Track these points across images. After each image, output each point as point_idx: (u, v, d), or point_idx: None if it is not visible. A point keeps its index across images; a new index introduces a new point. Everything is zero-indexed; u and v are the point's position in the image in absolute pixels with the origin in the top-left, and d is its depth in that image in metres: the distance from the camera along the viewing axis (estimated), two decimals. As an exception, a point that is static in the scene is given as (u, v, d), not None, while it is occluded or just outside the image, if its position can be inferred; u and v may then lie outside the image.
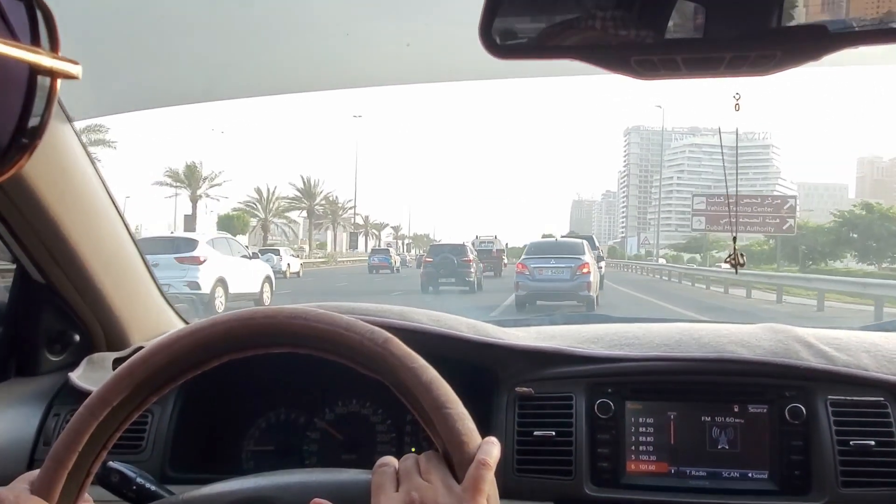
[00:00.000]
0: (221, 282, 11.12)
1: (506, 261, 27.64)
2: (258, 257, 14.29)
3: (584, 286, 12.06)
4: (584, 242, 14.15)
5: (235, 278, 11.53)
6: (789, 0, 0.56)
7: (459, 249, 17.53)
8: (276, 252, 16.64)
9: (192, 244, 11.37)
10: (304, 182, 50.33)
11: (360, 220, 59.89)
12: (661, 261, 44.93)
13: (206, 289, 10.65)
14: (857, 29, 0.55)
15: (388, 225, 71.63)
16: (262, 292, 11.99)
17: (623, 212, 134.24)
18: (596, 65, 0.62)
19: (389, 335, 0.64)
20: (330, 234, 53.16)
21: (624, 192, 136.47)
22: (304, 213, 51.07)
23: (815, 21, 0.56)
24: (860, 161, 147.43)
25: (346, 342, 0.63)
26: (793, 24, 0.57)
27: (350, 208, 54.27)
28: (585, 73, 1.08)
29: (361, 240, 62.13)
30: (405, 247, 65.78)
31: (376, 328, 0.65)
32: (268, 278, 12.56)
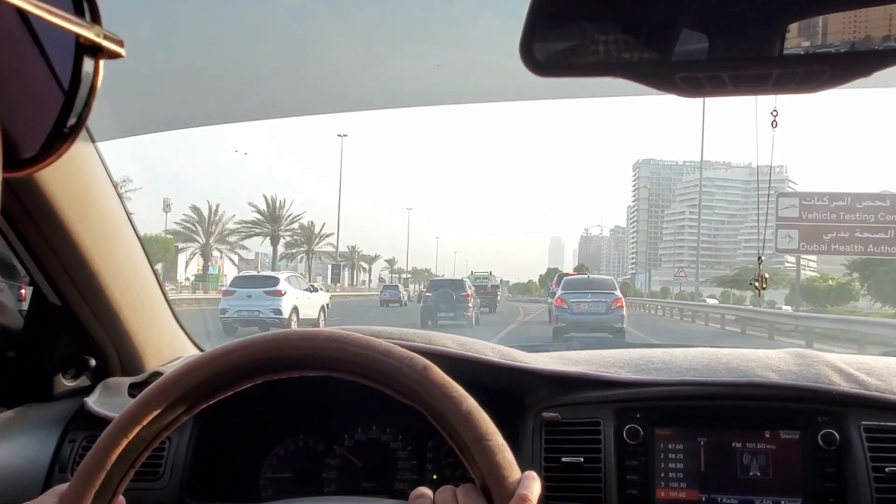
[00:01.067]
0: (295, 310, 14.99)
1: (500, 296, 29.18)
2: (318, 291, 18.44)
3: (619, 319, 14.06)
4: (614, 279, 16.66)
5: (304, 307, 15.51)
6: (837, 17, 0.58)
7: (458, 284, 19.37)
8: (315, 288, 19.70)
9: (276, 281, 15.47)
10: (267, 203, 44.22)
11: (344, 250, 57.74)
12: (711, 300, 37.42)
13: (286, 315, 14.49)
14: None
15: (379, 257, 70.27)
16: (318, 318, 16.00)
17: (633, 247, 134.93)
18: (640, 82, 0.64)
19: (428, 362, 0.65)
20: (307, 263, 48.85)
21: (633, 226, 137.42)
22: (275, 239, 44.58)
23: (867, 37, 0.58)
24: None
25: (383, 368, 0.64)
26: (844, 39, 0.59)
27: (329, 235, 51.32)
28: (626, 93, 1.11)
29: (348, 272, 59.66)
30: (403, 281, 64.25)
31: (415, 355, 0.65)
32: (322, 307, 16.91)
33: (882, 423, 1.13)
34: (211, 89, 1.70)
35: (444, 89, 1.68)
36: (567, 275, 21.44)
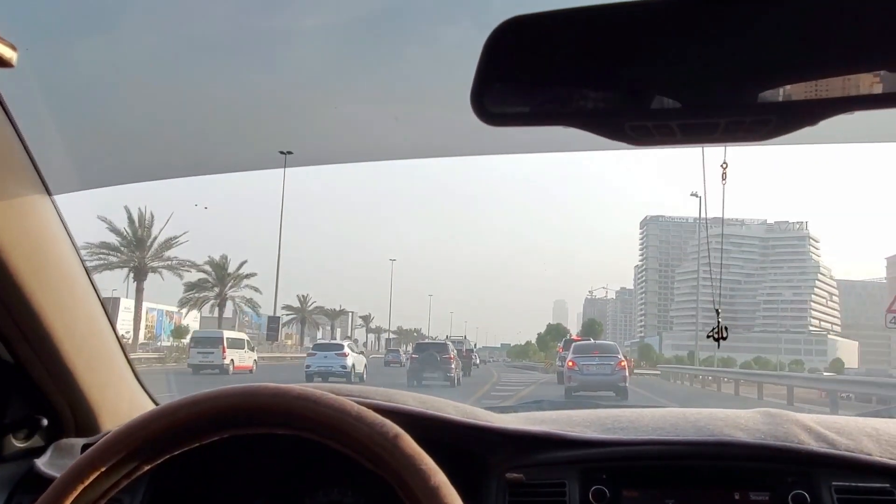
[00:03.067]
0: (353, 366, 23.03)
1: (476, 360, 34.35)
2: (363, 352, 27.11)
3: (622, 378, 18.16)
4: (617, 345, 21.52)
5: (357, 363, 23.88)
6: (784, 67, 0.67)
7: (442, 347, 23.80)
8: (342, 349, 26.00)
9: (342, 346, 24.62)
10: (211, 265, 42.44)
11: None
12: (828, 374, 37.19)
13: (349, 369, 22.55)
14: (850, 95, 0.67)
15: (345, 311, 67.63)
16: (363, 372, 24.12)
17: (641, 308, 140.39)
18: (591, 131, 0.73)
19: (400, 431, 0.71)
20: (219, 311, 42.82)
21: (642, 287, 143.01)
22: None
23: (810, 88, 0.68)
24: (890, 261, 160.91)
25: (353, 433, 0.70)
26: (788, 90, 0.69)
27: (250, 276, 44.08)
28: (580, 148, 1.33)
29: (298, 328, 57.55)
30: (387, 342, 65.17)
31: (387, 422, 0.71)
32: (365, 364, 25.34)
33: (853, 484, 1.21)
34: (173, 143, 1.89)
35: (409, 143, 1.97)
36: (574, 340, 26.69)
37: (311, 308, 59.69)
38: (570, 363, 19.00)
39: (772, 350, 79.47)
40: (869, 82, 0.68)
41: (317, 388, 0.75)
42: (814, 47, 0.68)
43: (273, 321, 42.37)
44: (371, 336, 73.33)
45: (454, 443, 1.29)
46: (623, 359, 19.18)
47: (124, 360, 1.49)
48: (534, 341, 74.38)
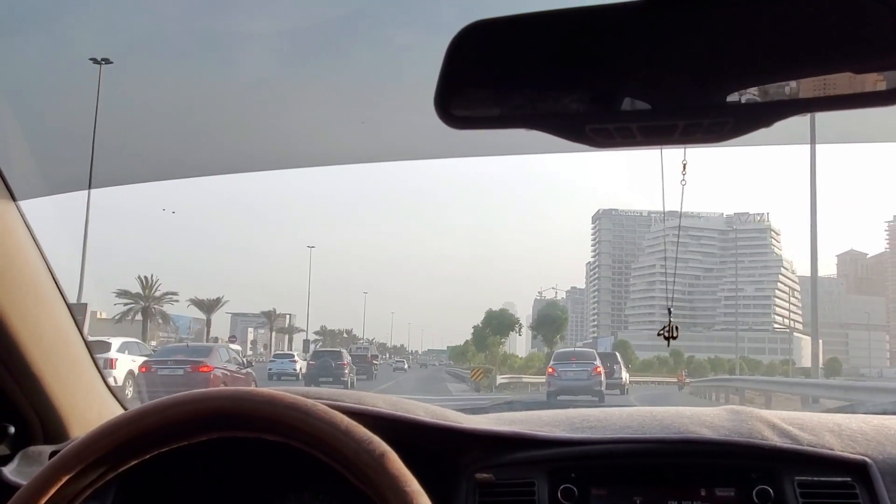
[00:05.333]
0: (301, 369, 29.32)
1: (405, 366, 40.66)
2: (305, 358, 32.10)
3: (598, 383, 21.05)
4: (594, 352, 24.95)
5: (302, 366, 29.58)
6: (740, 69, 0.77)
7: (337, 355, 29.15)
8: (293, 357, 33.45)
9: (293, 355, 33.69)
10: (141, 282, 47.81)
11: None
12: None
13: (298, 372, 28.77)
14: (804, 97, 0.76)
15: (281, 314, 69.48)
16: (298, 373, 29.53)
17: (594, 307, 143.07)
18: (552, 133, 0.81)
19: (387, 449, 0.77)
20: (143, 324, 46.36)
21: (595, 285, 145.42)
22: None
23: (765, 90, 0.77)
24: (840, 258, 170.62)
25: (341, 447, 0.77)
26: (744, 92, 0.77)
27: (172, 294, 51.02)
28: (541, 150, 1.42)
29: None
30: (304, 344, 62.67)
31: (375, 438, 0.78)
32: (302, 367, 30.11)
33: (816, 479, 1.34)
34: (141, 148, 2.01)
35: (372, 146, 2.07)
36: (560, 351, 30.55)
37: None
38: (550, 370, 22.35)
39: (734, 349, 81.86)
40: (822, 85, 0.77)
41: (304, 396, 0.82)
42: (769, 51, 0.77)
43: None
44: (284, 337, 72.38)
45: (424, 444, 1.38)
46: (599, 365, 22.11)
47: (93, 366, 1.56)
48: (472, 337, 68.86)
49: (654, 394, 30.51)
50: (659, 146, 0.89)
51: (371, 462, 0.76)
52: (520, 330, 67.84)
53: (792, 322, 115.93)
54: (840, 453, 1.39)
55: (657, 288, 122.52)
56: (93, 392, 1.58)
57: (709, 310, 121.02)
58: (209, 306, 55.09)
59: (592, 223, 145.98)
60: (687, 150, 1.33)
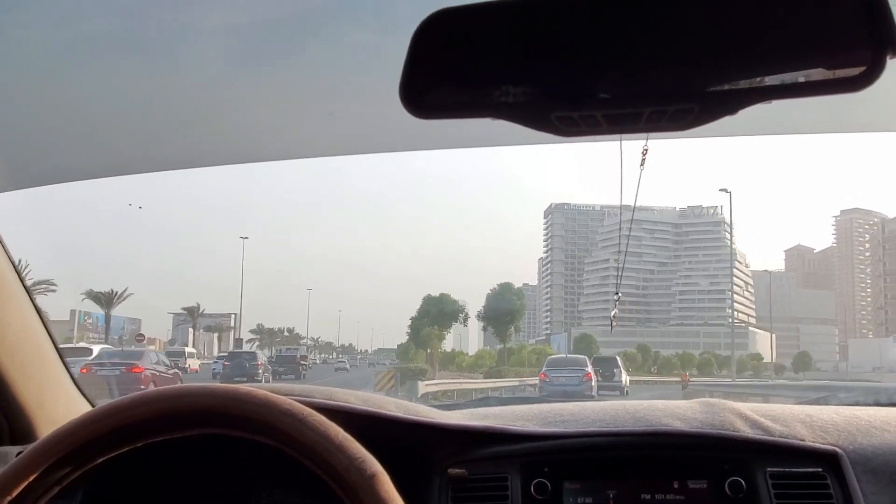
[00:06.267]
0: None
1: (308, 364, 42.78)
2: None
3: (589, 388, 22.29)
4: (586, 358, 26.64)
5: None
6: (705, 57, 0.80)
7: (251, 356, 32.52)
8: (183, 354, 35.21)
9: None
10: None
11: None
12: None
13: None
14: (768, 84, 0.79)
15: (229, 314, 67.96)
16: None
17: (547, 304, 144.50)
18: (517, 122, 0.84)
19: (379, 470, 0.80)
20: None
21: (547, 281, 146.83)
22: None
23: (730, 77, 0.80)
24: (788, 253, 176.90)
25: (332, 461, 0.79)
26: (709, 79, 0.80)
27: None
28: (507, 142, 1.47)
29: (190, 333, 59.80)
30: (236, 343, 63.73)
31: (368, 457, 0.80)
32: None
33: (787, 469, 1.40)
34: (106, 141, 2.01)
35: (336, 139, 2.08)
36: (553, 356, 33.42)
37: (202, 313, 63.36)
38: (542, 375, 24.04)
39: (692, 345, 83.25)
40: (786, 73, 0.81)
41: (273, 392, 0.84)
42: (734, 38, 0.80)
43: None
44: (213, 336, 70.44)
45: (396, 440, 1.39)
46: (590, 371, 23.81)
47: (61, 364, 1.58)
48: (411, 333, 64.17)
49: (656, 395, 31.25)
50: (624, 133, 0.92)
51: (361, 481, 0.78)
52: (465, 320, 63.48)
53: (747, 316, 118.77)
54: (811, 444, 1.45)
55: (611, 283, 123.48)
56: (60, 390, 1.60)
57: (664, 304, 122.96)
58: (107, 300, 53.49)
59: (544, 218, 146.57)
60: (649, 140, 1.33)
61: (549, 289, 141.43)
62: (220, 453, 1.31)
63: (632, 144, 1.33)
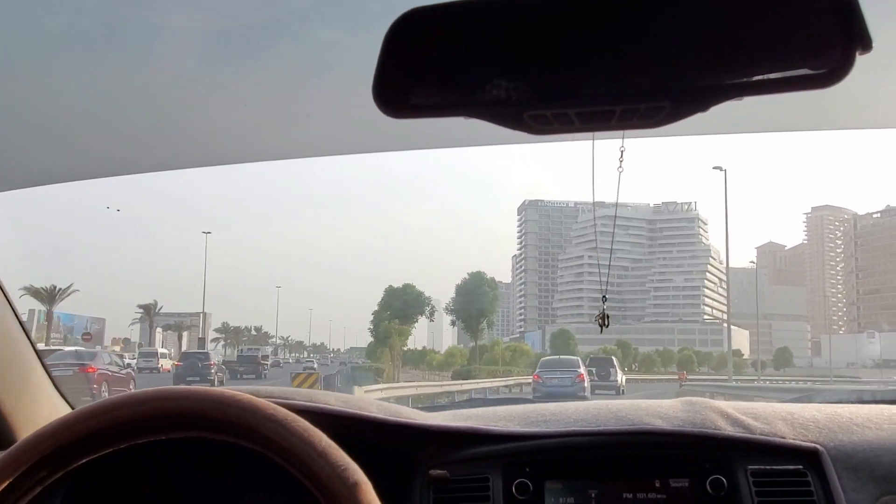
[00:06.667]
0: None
1: (268, 364, 43.16)
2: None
3: (582, 389, 22.97)
4: (579, 360, 27.55)
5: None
6: (676, 54, 0.80)
7: (204, 356, 33.54)
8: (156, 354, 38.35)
9: (156, 353, 40.43)
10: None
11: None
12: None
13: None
14: (739, 81, 0.81)
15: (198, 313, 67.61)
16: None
17: (521, 302, 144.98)
18: (490, 121, 0.86)
19: (362, 479, 0.81)
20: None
21: (521, 278, 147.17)
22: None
23: (701, 74, 0.81)
24: (760, 250, 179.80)
25: (314, 468, 0.80)
26: (680, 77, 0.81)
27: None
28: (480, 142, 1.52)
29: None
30: (199, 342, 61.85)
31: (351, 465, 0.81)
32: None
33: (768, 467, 1.42)
34: (82, 143, 2.03)
35: (312, 141, 2.11)
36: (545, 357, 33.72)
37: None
38: (535, 376, 24.88)
39: (667, 342, 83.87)
40: (758, 69, 0.82)
41: (254, 395, 0.85)
42: (706, 35, 0.82)
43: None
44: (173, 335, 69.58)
45: (377, 442, 1.42)
46: (582, 373, 24.57)
47: (41, 367, 1.59)
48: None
49: (654, 394, 31.87)
50: (596, 131, 0.92)
51: (343, 490, 0.79)
52: (432, 314, 58.99)
53: (721, 313, 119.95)
54: (792, 441, 1.47)
55: (585, 280, 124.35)
56: (41, 393, 1.60)
57: (638, 301, 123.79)
58: (49, 296, 52.26)
59: (518, 214, 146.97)
60: (624, 139, 1.34)
61: (523, 286, 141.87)
62: (204, 457, 1.31)
63: (608, 143, 1.34)
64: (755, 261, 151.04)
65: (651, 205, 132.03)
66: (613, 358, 34.93)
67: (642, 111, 0.86)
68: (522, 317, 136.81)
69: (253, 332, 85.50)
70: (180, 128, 2.21)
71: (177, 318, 70.00)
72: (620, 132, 1.00)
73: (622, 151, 1.44)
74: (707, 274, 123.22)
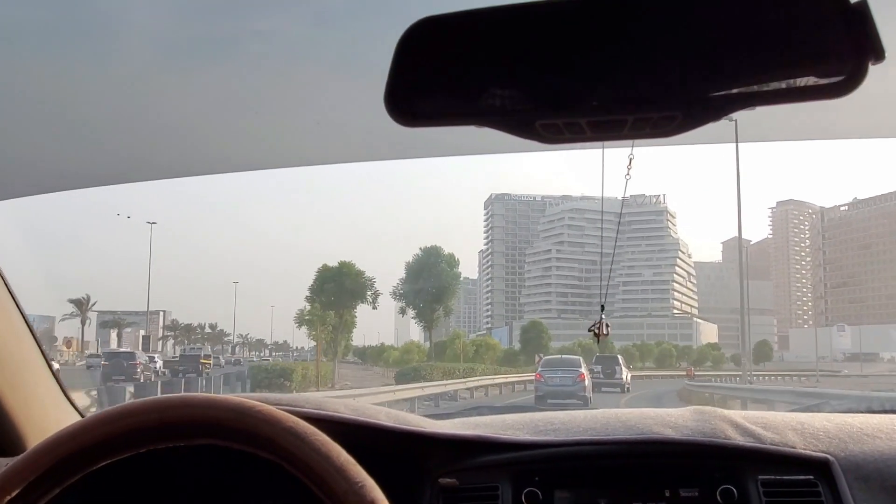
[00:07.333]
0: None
1: (210, 364, 44.19)
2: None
3: (583, 389, 24.19)
4: (581, 359, 28.13)
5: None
6: (689, 64, 0.82)
7: (130, 356, 34.45)
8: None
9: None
10: None
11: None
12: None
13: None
14: (752, 91, 0.82)
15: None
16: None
17: (487, 298, 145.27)
18: (503, 130, 0.86)
19: (379, 497, 0.82)
20: None
21: (488, 274, 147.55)
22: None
23: (713, 84, 0.82)
24: (725, 245, 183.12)
25: (331, 482, 0.82)
26: (693, 86, 0.83)
27: None
28: (492, 150, 1.60)
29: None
30: (143, 340, 61.90)
31: (369, 482, 0.83)
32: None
33: (779, 477, 1.44)
34: (89, 150, 2.07)
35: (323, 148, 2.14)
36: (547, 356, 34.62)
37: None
38: (538, 376, 26.03)
39: (636, 336, 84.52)
40: (770, 79, 0.84)
41: (262, 402, 0.87)
42: (718, 45, 0.83)
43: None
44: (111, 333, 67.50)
45: (387, 450, 1.43)
46: (584, 373, 25.56)
47: (50, 375, 1.60)
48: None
49: (659, 391, 32.65)
50: (608, 140, 0.92)
51: None
52: (375, 299, 48.68)
53: (690, 308, 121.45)
54: (802, 451, 1.48)
55: (553, 274, 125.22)
56: (50, 402, 1.61)
57: (608, 295, 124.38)
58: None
59: (485, 209, 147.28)
60: (633, 147, 1.41)
61: (489, 281, 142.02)
62: (220, 465, 1.32)
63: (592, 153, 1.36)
64: (719, 258, 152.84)
65: (619, 198, 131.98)
66: (619, 357, 35.89)
67: (654, 120, 0.87)
68: (489, 313, 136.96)
69: (208, 330, 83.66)
70: (131, 136, 2.22)
71: (118, 315, 68.21)
72: (631, 140, 1.01)
73: (630, 160, 1.49)
74: (676, 268, 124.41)
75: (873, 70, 0.80)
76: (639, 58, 0.85)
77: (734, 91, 0.85)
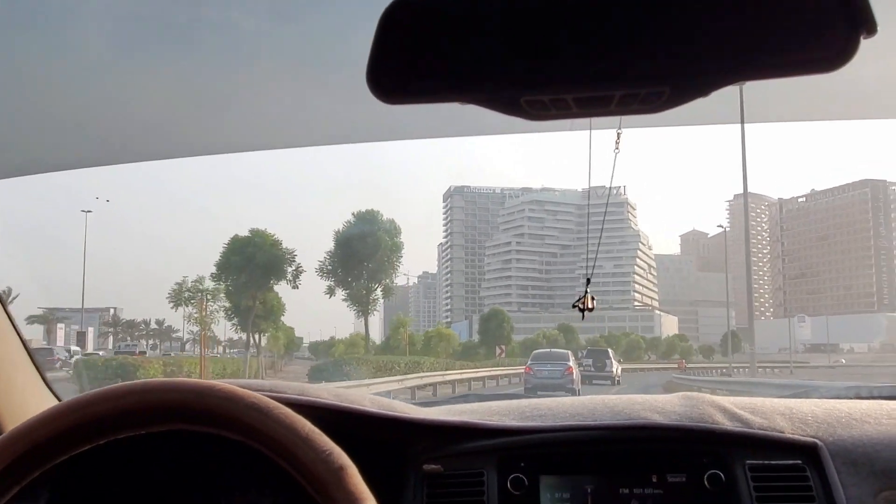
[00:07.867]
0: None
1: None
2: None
3: (571, 381, 24.92)
4: (569, 353, 29.29)
5: None
6: (677, 38, 0.82)
7: (47, 352, 33.68)
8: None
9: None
10: None
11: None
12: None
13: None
14: (741, 65, 0.82)
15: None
16: None
17: (447, 291, 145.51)
18: (486, 106, 0.87)
19: (347, 463, 0.81)
20: None
21: (447, 267, 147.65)
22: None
23: (702, 58, 0.82)
24: (683, 238, 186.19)
25: (299, 454, 0.81)
26: (681, 60, 0.82)
27: None
28: (475, 131, 1.59)
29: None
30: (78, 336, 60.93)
31: (335, 449, 0.82)
32: None
33: (766, 462, 1.45)
34: (71, 132, 2.07)
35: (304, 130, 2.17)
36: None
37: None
38: (527, 368, 26.95)
39: (597, 329, 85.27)
40: (758, 54, 0.83)
41: (242, 388, 0.85)
42: (707, 18, 0.82)
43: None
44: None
45: (370, 436, 1.44)
46: (571, 366, 26.50)
47: (30, 363, 1.61)
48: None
49: (652, 384, 33.25)
50: (595, 116, 0.92)
51: (328, 475, 0.79)
52: (297, 276, 41.81)
53: (651, 300, 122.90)
54: (790, 436, 1.50)
55: (513, 266, 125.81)
56: (30, 389, 1.62)
57: (567, 289, 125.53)
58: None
59: (444, 201, 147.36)
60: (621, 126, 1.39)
61: (448, 275, 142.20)
62: (192, 452, 1.32)
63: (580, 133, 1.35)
64: (678, 251, 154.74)
65: (580, 189, 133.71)
66: (609, 350, 37.27)
67: (642, 96, 0.86)
68: (449, 307, 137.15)
69: (154, 326, 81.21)
70: (92, 122, 2.26)
71: (52, 311, 66.31)
72: (618, 117, 0.99)
73: (619, 135, 1.48)
74: (637, 260, 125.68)
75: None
76: (626, 32, 0.84)
77: (723, 66, 0.84)
